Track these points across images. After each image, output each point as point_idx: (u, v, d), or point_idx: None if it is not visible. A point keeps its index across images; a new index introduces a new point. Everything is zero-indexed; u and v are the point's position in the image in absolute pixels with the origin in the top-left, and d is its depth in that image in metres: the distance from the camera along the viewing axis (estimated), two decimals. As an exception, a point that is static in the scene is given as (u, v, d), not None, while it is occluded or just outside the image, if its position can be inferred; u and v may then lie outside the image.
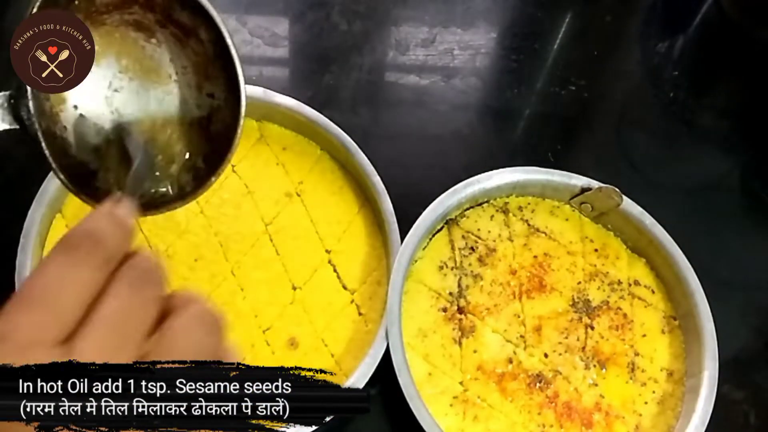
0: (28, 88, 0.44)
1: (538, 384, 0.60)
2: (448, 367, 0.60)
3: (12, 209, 0.61)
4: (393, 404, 0.57)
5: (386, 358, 0.57)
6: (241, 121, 0.50)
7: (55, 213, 0.63)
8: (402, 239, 0.62)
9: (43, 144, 0.45)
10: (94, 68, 0.49)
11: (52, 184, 0.61)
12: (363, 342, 0.60)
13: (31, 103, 0.45)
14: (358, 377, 0.56)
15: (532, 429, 0.58)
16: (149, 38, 0.51)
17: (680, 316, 0.64)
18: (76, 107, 0.50)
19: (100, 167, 0.50)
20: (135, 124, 0.52)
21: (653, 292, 0.65)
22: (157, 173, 0.52)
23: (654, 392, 0.61)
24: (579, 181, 0.66)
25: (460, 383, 0.59)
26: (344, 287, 0.63)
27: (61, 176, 0.46)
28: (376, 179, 0.64)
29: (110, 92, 0.51)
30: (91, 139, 0.50)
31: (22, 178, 0.66)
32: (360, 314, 0.62)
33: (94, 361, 0.26)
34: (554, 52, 0.83)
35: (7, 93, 0.46)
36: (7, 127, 0.46)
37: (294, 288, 0.62)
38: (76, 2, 0.47)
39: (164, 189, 0.52)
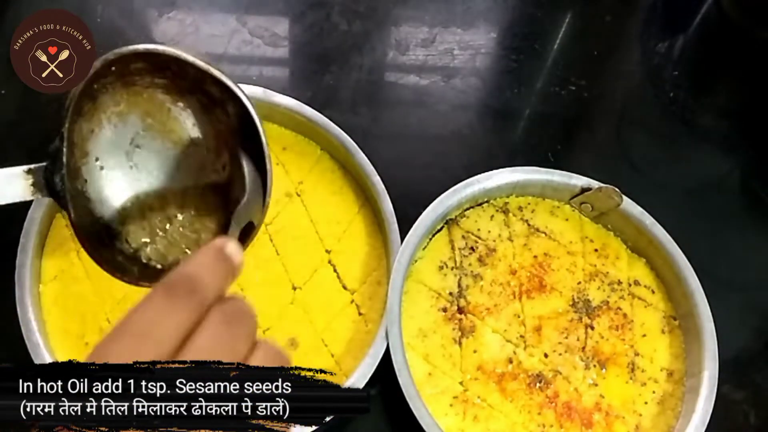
0: (64, 159, 0.45)
1: (538, 384, 0.60)
2: (448, 367, 0.60)
3: (11, 209, 0.61)
4: (393, 404, 0.57)
5: (386, 358, 0.57)
6: (268, 198, 0.50)
7: (55, 213, 0.63)
8: (402, 239, 0.62)
9: (72, 217, 0.46)
10: (119, 124, 0.51)
11: (51, 184, 0.61)
12: (363, 342, 0.60)
13: (66, 176, 0.46)
14: (358, 377, 0.56)
15: (532, 429, 0.58)
16: (176, 102, 0.51)
17: (680, 316, 0.64)
18: (97, 159, 0.50)
19: (121, 227, 0.51)
20: (151, 184, 0.53)
21: (653, 292, 0.65)
22: (164, 233, 0.53)
23: (654, 392, 0.61)
24: (579, 181, 0.66)
25: (460, 383, 0.59)
26: (344, 287, 0.63)
27: (87, 246, 0.47)
28: (376, 179, 0.64)
29: (131, 148, 0.52)
30: (108, 194, 0.51)
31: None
32: (360, 314, 0.62)
33: None
34: (554, 52, 0.83)
35: (43, 166, 0.47)
36: (39, 197, 0.48)
37: (294, 288, 0.62)
38: (113, 68, 0.47)
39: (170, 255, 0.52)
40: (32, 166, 0.48)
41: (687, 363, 0.62)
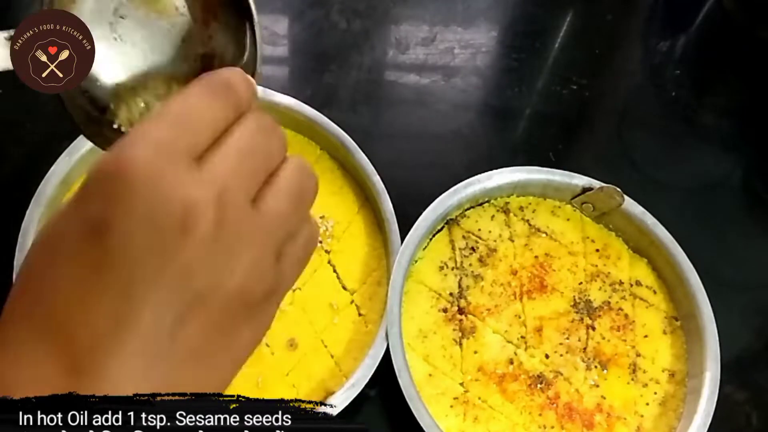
0: None
1: (539, 385, 0.60)
2: (449, 368, 0.60)
3: (10, 209, 0.61)
4: (393, 405, 0.57)
5: (386, 358, 0.56)
6: (260, 62, 0.50)
7: (53, 213, 0.62)
8: (402, 239, 0.61)
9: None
10: None
11: (49, 184, 0.61)
12: (363, 343, 0.60)
13: None
14: (358, 378, 0.56)
15: (533, 430, 0.58)
16: None
17: (682, 317, 0.64)
18: None
19: (109, 102, 0.50)
20: (136, 57, 0.52)
21: (655, 292, 0.65)
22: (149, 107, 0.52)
23: (655, 393, 0.61)
24: (580, 180, 0.66)
25: (461, 384, 0.59)
26: (344, 287, 0.62)
27: (71, 114, 0.46)
28: (376, 179, 0.64)
29: (115, 18, 0.51)
30: (93, 68, 0.50)
31: (19, 178, 0.66)
32: (360, 315, 0.61)
33: (225, 182, 0.28)
34: (555, 50, 0.83)
35: (10, 32, 0.46)
36: (9, 67, 0.47)
37: (293, 289, 0.62)
38: None
39: None
40: (11, 31, 0.48)
41: (689, 364, 0.62)
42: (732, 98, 0.84)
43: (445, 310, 0.62)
